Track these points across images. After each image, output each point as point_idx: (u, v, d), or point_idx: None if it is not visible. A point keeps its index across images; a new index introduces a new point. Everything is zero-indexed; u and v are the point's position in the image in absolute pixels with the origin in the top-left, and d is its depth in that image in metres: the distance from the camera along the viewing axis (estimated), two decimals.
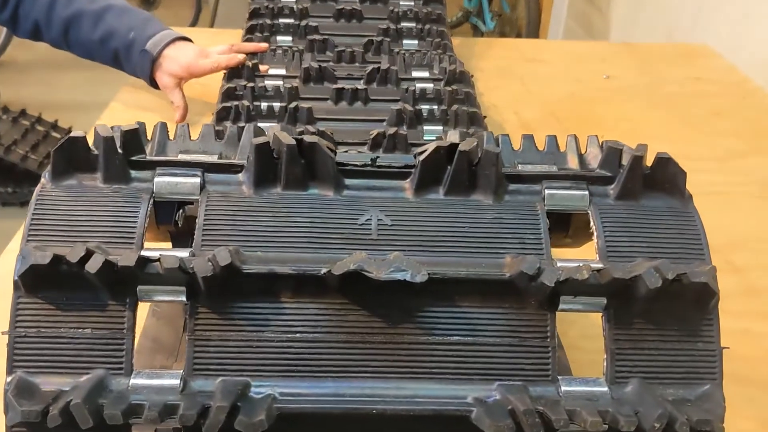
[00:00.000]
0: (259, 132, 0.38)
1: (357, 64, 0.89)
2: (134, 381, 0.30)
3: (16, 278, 0.29)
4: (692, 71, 1.07)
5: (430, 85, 0.83)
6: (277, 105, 0.76)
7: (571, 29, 2.07)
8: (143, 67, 0.87)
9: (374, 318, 0.31)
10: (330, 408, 0.29)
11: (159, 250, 0.31)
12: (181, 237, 0.43)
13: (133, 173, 0.33)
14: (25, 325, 0.29)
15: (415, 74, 0.85)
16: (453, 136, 0.36)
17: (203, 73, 0.89)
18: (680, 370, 0.31)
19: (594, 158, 0.38)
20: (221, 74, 0.84)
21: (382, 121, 0.77)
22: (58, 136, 1.62)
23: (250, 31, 0.97)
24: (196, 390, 0.29)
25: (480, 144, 0.33)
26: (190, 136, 0.38)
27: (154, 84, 0.87)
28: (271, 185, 0.33)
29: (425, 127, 0.75)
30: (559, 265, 0.31)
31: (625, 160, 0.34)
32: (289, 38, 0.97)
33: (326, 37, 0.94)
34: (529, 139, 0.39)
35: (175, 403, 0.29)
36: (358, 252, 0.30)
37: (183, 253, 0.30)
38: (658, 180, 0.34)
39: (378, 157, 0.34)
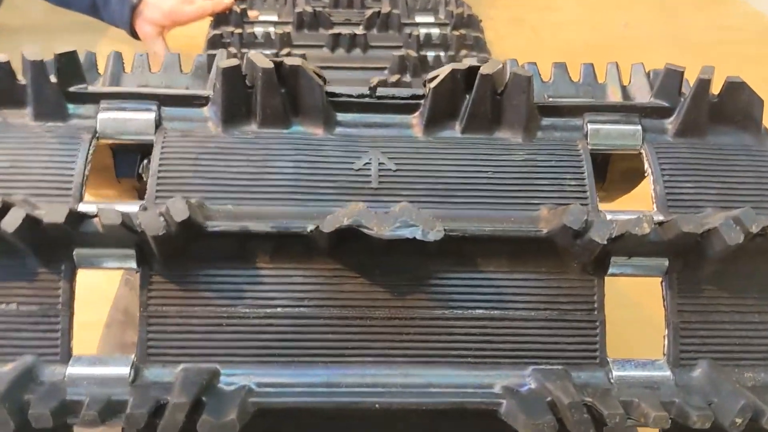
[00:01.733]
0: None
1: (355, 9, 0.81)
2: (72, 370, 0.23)
3: None
4: (716, 18, 0.99)
5: (435, 30, 0.76)
6: (267, 53, 0.69)
7: None
8: (122, 16, 0.80)
9: (376, 287, 0.24)
10: (321, 402, 0.23)
11: (101, 203, 0.24)
12: None
13: (72, 108, 0.26)
14: None
15: (419, 19, 0.78)
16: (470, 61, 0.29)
17: (187, 20, 0.81)
18: (762, 348, 0.25)
19: (640, 90, 0.31)
20: (207, 22, 0.76)
21: (383, 69, 0.70)
22: None
23: None
24: (150, 381, 0.23)
25: (504, 68, 0.27)
26: (150, 68, 0.32)
27: (134, 34, 0.80)
28: (244, 121, 0.26)
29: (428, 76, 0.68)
30: (609, 217, 0.24)
31: (686, 88, 0.27)
32: None
33: None
34: (560, 68, 0.32)
35: (122, 398, 0.22)
36: (354, 204, 0.23)
37: (131, 207, 0.24)
38: (728, 111, 0.27)
39: (378, 86, 0.27)
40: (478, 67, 0.26)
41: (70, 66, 0.26)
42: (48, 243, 0.23)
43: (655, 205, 0.25)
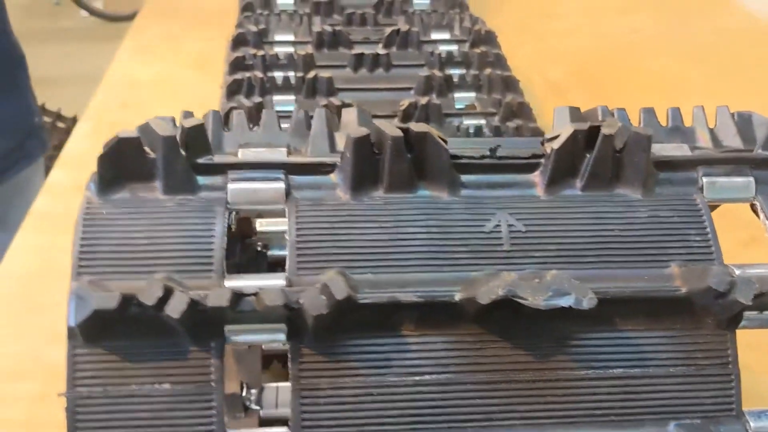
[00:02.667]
0: (329, 117, 0.31)
1: (369, 27, 0.82)
2: None
3: (73, 326, 0.23)
4: (717, 21, 1.01)
5: (454, 47, 0.77)
6: (292, 75, 0.69)
7: None
8: None
9: (519, 351, 0.25)
10: None
11: (244, 278, 0.24)
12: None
13: (201, 180, 0.26)
14: (88, 383, 0.23)
15: (436, 36, 0.79)
16: (572, 116, 0.30)
17: None
18: None
19: (727, 134, 0.32)
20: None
21: (408, 89, 0.70)
22: (63, 125, 1.50)
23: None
24: None
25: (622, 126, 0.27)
26: (249, 126, 0.32)
27: None
28: (372, 187, 0.26)
29: (456, 95, 0.69)
30: (738, 272, 0.25)
31: None
32: (291, 1, 0.89)
33: None
34: (649, 112, 0.33)
35: None
36: (506, 273, 0.24)
37: (277, 281, 0.24)
38: None
39: (498, 146, 0.27)
40: (599, 128, 0.26)
41: (198, 138, 0.26)
42: (202, 323, 0.23)
43: None
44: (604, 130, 0.26)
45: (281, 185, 0.26)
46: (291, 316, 0.23)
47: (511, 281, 0.23)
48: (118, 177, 0.26)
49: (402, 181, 0.26)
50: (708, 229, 0.26)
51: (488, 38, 0.76)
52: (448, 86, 0.68)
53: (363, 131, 0.26)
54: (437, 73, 0.69)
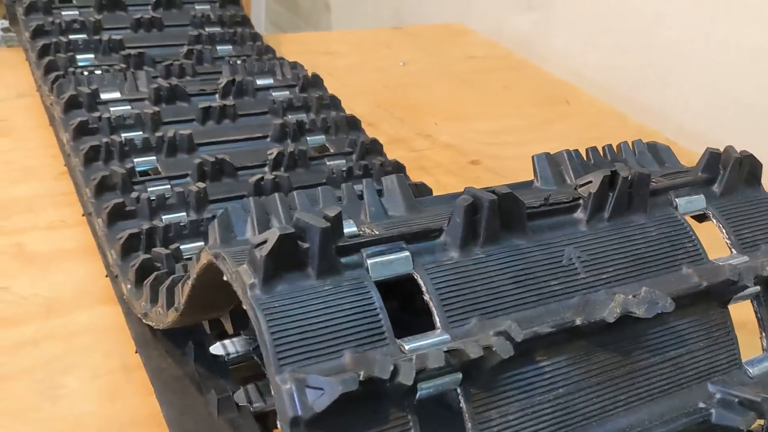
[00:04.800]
0: (369, 186, 0.36)
1: (188, 78, 0.83)
2: None
3: (303, 416, 0.25)
4: (465, 49, 1.17)
5: (285, 93, 0.81)
6: (145, 136, 0.68)
7: (276, 13, 2.10)
8: None
9: (614, 353, 0.32)
10: None
11: (415, 339, 0.28)
12: None
13: (344, 260, 0.29)
14: None
15: (262, 82, 0.82)
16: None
17: None
18: None
19: (646, 160, 0.42)
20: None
21: (263, 137, 0.74)
22: None
23: (44, 52, 0.84)
24: None
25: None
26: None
27: None
28: (472, 244, 0.32)
29: (308, 138, 0.74)
30: (742, 263, 0.35)
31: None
32: (91, 55, 0.87)
33: (141, 50, 0.86)
34: (595, 151, 0.42)
35: None
36: (618, 295, 0.30)
37: (441, 337, 0.28)
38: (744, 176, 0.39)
39: (550, 195, 0.34)
40: (617, 173, 0.34)
41: (338, 224, 0.29)
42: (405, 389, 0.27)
43: (733, 249, 0.37)
44: (623, 174, 0.34)
45: (407, 254, 0.30)
46: (466, 367, 0.28)
47: (622, 301, 0.30)
48: (276, 270, 0.27)
49: (494, 236, 0.32)
50: (694, 237, 0.36)
51: (315, 82, 0.82)
52: (300, 131, 0.73)
53: (468, 199, 0.31)
54: (289, 119, 0.73)
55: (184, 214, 0.61)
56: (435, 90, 1.02)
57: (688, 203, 0.37)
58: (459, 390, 0.28)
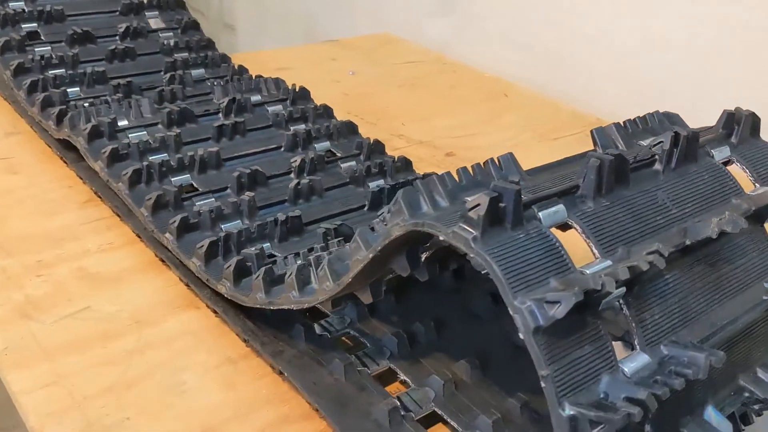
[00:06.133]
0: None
1: (179, 102, 0.89)
2: None
3: (548, 324, 0.33)
4: (402, 56, 1.27)
5: (279, 107, 0.88)
6: (179, 156, 0.74)
7: None
8: None
9: (705, 265, 0.42)
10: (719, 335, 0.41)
11: (590, 266, 0.37)
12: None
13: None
14: None
15: (256, 98, 0.89)
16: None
17: None
18: None
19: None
20: None
21: (276, 148, 0.81)
22: None
23: (33, 89, 0.87)
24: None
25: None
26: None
27: None
28: (598, 195, 0.41)
29: (316, 145, 0.82)
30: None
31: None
32: (77, 88, 0.91)
33: (128, 80, 0.91)
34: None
35: None
36: (716, 218, 0.41)
37: (604, 263, 0.38)
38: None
39: (637, 154, 0.44)
40: (679, 133, 0.45)
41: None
42: None
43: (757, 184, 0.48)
44: (683, 133, 0.45)
45: (562, 206, 0.39)
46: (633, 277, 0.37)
47: (717, 222, 0.40)
48: (485, 226, 0.36)
49: (610, 187, 0.42)
50: (732, 177, 0.47)
51: (303, 94, 0.89)
52: (309, 139, 0.80)
53: (596, 161, 0.40)
54: (300, 129, 0.80)
55: (239, 221, 0.67)
56: (391, 95, 1.11)
57: (719, 153, 0.49)
58: (620, 300, 0.38)
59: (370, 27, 1.44)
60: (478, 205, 0.36)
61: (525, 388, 0.53)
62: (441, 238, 0.37)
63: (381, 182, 0.76)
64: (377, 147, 0.81)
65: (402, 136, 0.98)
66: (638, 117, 0.54)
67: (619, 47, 1.08)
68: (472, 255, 0.36)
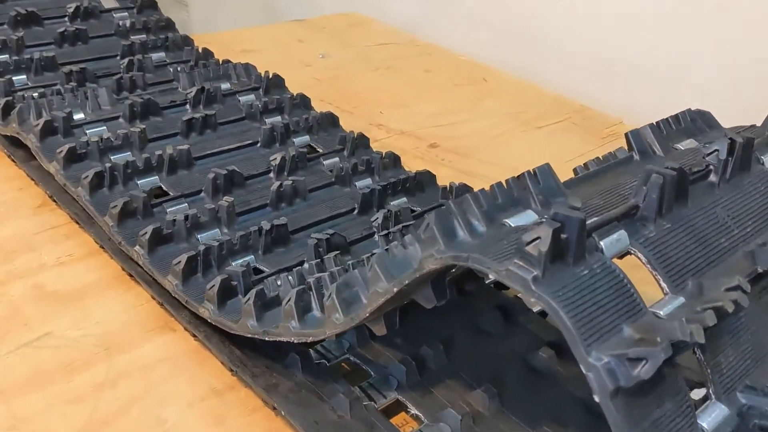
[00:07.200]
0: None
1: (139, 91, 0.81)
2: None
3: (630, 384, 0.28)
4: (374, 38, 1.20)
5: (252, 97, 0.82)
6: (146, 156, 0.66)
7: None
8: None
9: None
10: None
11: (661, 305, 0.32)
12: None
13: None
14: None
15: (225, 87, 0.82)
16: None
17: None
18: None
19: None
20: None
21: (253, 144, 0.74)
22: None
23: None
24: None
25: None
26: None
27: None
28: (658, 216, 0.36)
29: (294, 140, 0.75)
30: None
31: None
32: (23, 76, 0.82)
33: (82, 66, 0.83)
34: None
35: None
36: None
37: (677, 300, 0.32)
38: None
39: (691, 166, 0.39)
40: (734, 140, 0.40)
41: None
42: None
43: None
44: (739, 140, 0.40)
45: (623, 231, 0.34)
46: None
47: None
48: (547, 262, 0.30)
49: (670, 206, 0.36)
50: None
51: (277, 83, 0.82)
52: (287, 134, 0.73)
53: (659, 177, 0.35)
54: (278, 122, 0.73)
55: (217, 230, 0.60)
56: (365, 79, 1.05)
57: None
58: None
59: (335, 5, 1.36)
60: (538, 238, 0.30)
61: (547, 418, 0.48)
62: (491, 276, 0.31)
63: (369, 181, 0.69)
64: (362, 141, 0.75)
65: (381, 126, 0.92)
66: (671, 117, 0.49)
67: (598, 26, 1.04)
68: (532, 299, 0.30)
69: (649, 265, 0.33)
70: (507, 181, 0.39)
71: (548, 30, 1.10)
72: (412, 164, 0.84)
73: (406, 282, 0.35)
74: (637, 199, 0.35)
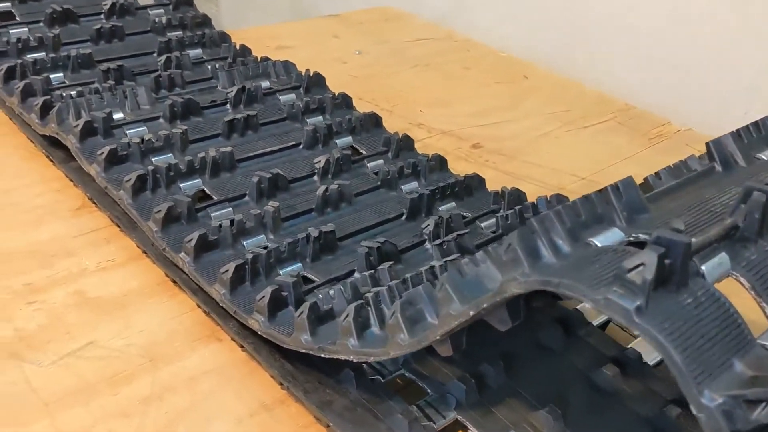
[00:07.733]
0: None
1: (178, 89, 0.79)
2: None
3: (747, 429, 0.25)
4: (411, 33, 1.17)
5: (292, 96, 0.79)
6: (189, 158, 0.64)
7: None
8: None
9: None
10: None
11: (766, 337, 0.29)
12: None
13: None
14: None
15: (266, 85, 0.80)
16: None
17: None
18: None
19: None
20: None
21: (295, 145, 0.72)
22: None
23: (9, 75, 0.77)
24: None
25: None
26: None
27: None
28: (758, 236, 0.33)
29: (337, 141, 0.73)
30: None
31: None
32: (60, 74, 0.80)
33: (119, 64, 0.81)
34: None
35: None
36: None
37: None
38: None
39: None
40: None
41: None
42: None
43: None
44: None
45: (725, 254, 0.31)
46: None
47: None
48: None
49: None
50: None
51: (318, 81, 0.80)
52: (330, 135, 0.71)
53: (762, 195, 0.32)
54: (320, 124, 0.71)
55: (263, 236, 0.58)
56: (403, 77, 1.02)
57: None
58: None
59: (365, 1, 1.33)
60: (642, 264, 0.27)
61: None
62: (587, 305, 0.28)
63: (415, 185, 0.67)
64: (406, 143, 0.72)
65: (422, 125, 0.89)
66: (751, 124, 0.46)
67: (642, 23, 1.00)
68: (636, 331, 0.27)
69: (753, 291, 0.31)
70: (589, 195, 0.36)
71: (592, 25, 1.06)
72: (455, 166, 0.81)
73: (484, 306, 0.33)
74: (736, 219, 0.33)
